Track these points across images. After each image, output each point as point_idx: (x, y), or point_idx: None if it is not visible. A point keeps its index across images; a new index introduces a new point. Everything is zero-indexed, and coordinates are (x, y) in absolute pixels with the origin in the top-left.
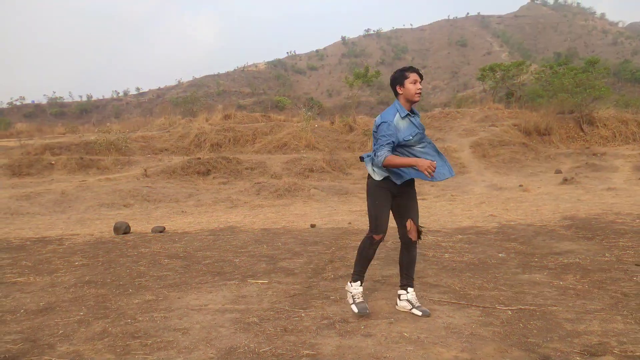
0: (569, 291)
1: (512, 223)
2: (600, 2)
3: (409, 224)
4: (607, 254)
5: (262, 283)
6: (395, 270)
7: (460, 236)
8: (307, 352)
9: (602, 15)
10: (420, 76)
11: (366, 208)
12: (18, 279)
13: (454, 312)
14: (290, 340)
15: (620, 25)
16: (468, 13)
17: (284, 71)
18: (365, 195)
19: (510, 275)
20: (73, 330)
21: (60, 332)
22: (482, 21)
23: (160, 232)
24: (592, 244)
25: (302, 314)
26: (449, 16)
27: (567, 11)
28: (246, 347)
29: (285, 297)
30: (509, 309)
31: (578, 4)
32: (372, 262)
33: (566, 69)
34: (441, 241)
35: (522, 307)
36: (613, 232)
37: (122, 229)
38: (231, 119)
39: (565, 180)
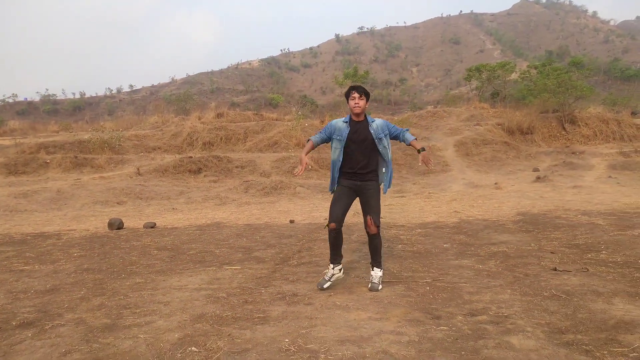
0: (483, 272)
1: (471, 218)
2: (592, 1)
3: (368, 219)
4: (532, 244)
5: (235, 269)
6: (352, 257)
7: (419, 230)
8: (259, 315)
9: (594, 13)
10: (363, 93)
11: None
12: (24, 267)
13: (383, 288)
14: (248, 308)
15: (612, 23)
16: (461, 11)
17: (277, 69)
18: None
19: (444, 261)
20: (76, 304)
21: (66, 305)
22: (475, 19)
23: (152, 227)
24: (527, 235)
25: (262, 291)
26: (442, 14)
27: (560, 9)
28: (213, 313)
29: (252, 279)
30: (427, 284)
31: (570, 2)
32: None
33: (550, 69)
34: (401, 234)
35: (438, 284)
36: (552, 226)
37: (116, 225)
38: (224, 117)
39: (538, 179)
